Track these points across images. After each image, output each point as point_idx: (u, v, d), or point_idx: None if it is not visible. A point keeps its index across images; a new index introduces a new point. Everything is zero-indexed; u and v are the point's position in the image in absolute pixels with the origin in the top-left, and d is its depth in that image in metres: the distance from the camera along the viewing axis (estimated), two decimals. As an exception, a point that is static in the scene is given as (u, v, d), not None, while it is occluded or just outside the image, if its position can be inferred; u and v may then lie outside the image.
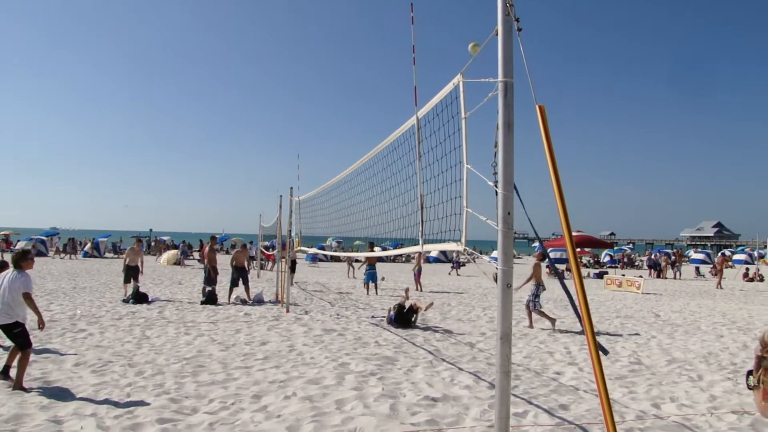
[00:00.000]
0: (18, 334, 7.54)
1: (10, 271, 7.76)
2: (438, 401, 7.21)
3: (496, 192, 4.36)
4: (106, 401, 6.93)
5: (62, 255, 45.30)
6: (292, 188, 17.08)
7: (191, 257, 41.00)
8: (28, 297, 7.51)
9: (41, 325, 7.69)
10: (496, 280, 4.48)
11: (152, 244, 58.60)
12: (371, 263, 21.53)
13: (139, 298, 16.48)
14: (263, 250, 30.94)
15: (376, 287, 21.44)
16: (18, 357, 7.52)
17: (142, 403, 6.85)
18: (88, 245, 47.17)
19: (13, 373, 7.59)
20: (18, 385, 7.33)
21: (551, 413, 6.89)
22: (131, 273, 17.80)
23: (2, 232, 56.26)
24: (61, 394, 7.17)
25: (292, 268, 24.83)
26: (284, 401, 7.09)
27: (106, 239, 52.03)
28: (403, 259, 50.18)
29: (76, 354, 9.49)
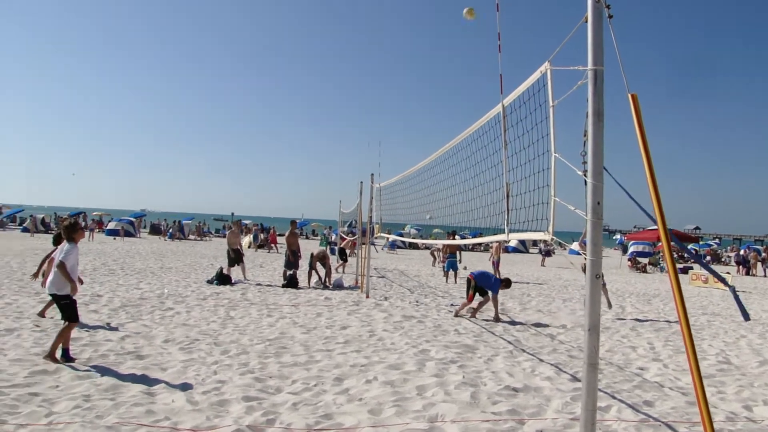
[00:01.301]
0: (65, 306, 7.73)
1: (63, 243, 8.03)
2: (519, 391, 7.18)
3: (585, 181, 4.31)
4: (194, 377, 7.19)
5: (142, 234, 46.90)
6: (372, 174, 17.18)
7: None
8: (61, 266, 7.62)
9: (74, 291, 7.74)
10: (584, 271, 4.44)
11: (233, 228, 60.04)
12: (452, 252, 21.50)
13: (223, 279, 16.92)
14: (343, 235, 31.25)
15: (455, 276, 21.41)
16: (62, 327, 7.72)
17: (228, 381, 7.06)
18: (172, 227, 48.67)
19: (74, 356, 7.78)
20: (52, 356, 7.54)
21: (635, 409, 6.77)
22: (236, 256, 18.22)
23: (95, 213, 58.70)
24: (153, 369, 7.46)
25: (341, 255, 25.06)
26: (365, 385, 7.18)
27: (190, 222, 53.56)
28: (482, 248, 49.90)
29: (165, 331, 9.85)
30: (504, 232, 6.94)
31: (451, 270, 21.33)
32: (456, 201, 10.59)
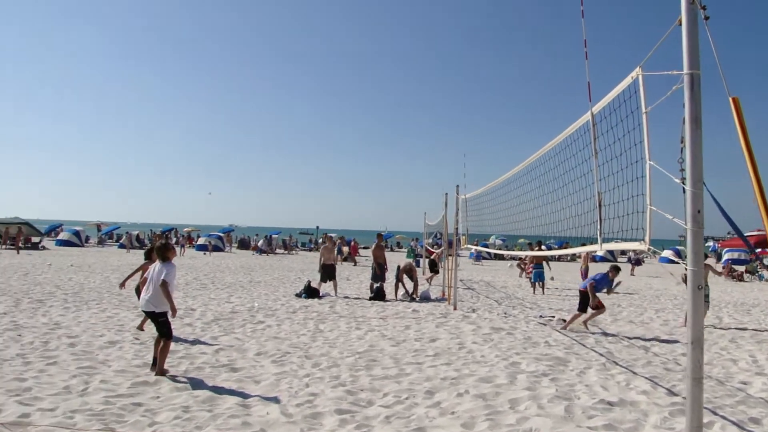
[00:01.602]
0: (162, 324, 7.94)
1: (157, 262, 8.24)
2: (614, 405, 6.99)
3: (684, 189, 4.18)
4: (287, 390, 7.30)
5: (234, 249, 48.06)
6: (458, 186, 17.12)
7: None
8: (164, 285, 7.83)
9: (173, 312, 7.92)
10: (684, 281, 4.31)
11: (319, 241, 60.88)
12: (538, 262, 21.20)
13: (311, 293, 17.14)
14: (428, 247, 31.23)
15: (543, 286, 21.10)
16: (161, 346, 7.91)
17: (320, 394, 7.14)
18: (261, 241, 49.62)
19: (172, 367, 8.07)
20: (160, 371, 7.77)
21: (741, 426, 6.48)
22: (328, 271, 18.22)
23: (185, 229, 60.56)
24: (247, 381, 7.62)
25: (432, 266, 24.91)
26: (457, 398, 7.13)
27: (277, 236, 54.52)
28: (568, 258, 49.02)
29: (257, 344, 10.04)
30: (596, 242, 6.81)
31: (538, 281, 21.03)
32: (543, 212, 10.49)
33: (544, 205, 10.32)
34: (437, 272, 24.30)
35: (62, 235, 51.87)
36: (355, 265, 36.72)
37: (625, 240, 5.74)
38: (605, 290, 13.06)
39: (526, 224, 12.00)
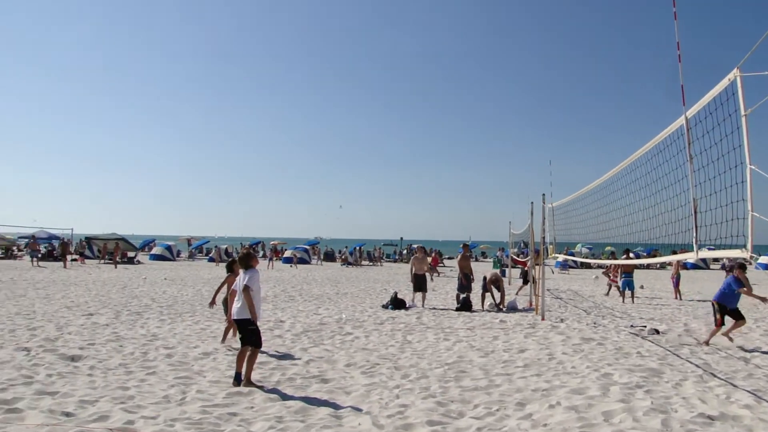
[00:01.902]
0: (252, 332, 8.05)
1: (241, 272, 8.39)
2: (715, 420, 6.73)
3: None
4: (377, 401, 7.34)
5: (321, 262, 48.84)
6: (544, 195, 16.91)
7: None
8: (246, 290, 7.99)
9: (253, 317, 8.02)
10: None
11: (403, 252, 61.10)
12: (627, 271, 20.68)
13: (398, 304, 17.19)
14: (514, 257, 30.90)
15: (632, 295, 20.57)
16: (248, 354, 8.02)
17: (411, 405, 7.14)
18: (346, 254, 50.15)
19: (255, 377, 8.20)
20: (247, 380, 7.92)
21: None
22: (419, 282, 18.23)
23: (272, 242, 61.76)
24: (338, 392, 7.71)
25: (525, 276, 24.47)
26: (549, 410, 7.01)
27: (362, 247, 54.92)
28: (657, 266, 47.55)
29: (346, 355, 10.14)
30: (690, 249, 6.61)
31: (627, 289, 20.52)
32: (633, 219, 10.26)
33: (634, 213, 10.11)
34: (527, 282, 23.98)
35: (155, 250, 53.68)
36: (438, 275, 36.65)
37: (724, 247, 5.54)
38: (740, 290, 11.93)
39: (614, 232, 11.76)
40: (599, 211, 12.66)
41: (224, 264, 11.98)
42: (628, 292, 20.54)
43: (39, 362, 9.08)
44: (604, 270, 27.45)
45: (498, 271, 23.16)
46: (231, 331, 10.64)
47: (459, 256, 19.06)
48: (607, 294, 23.08)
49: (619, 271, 21.54)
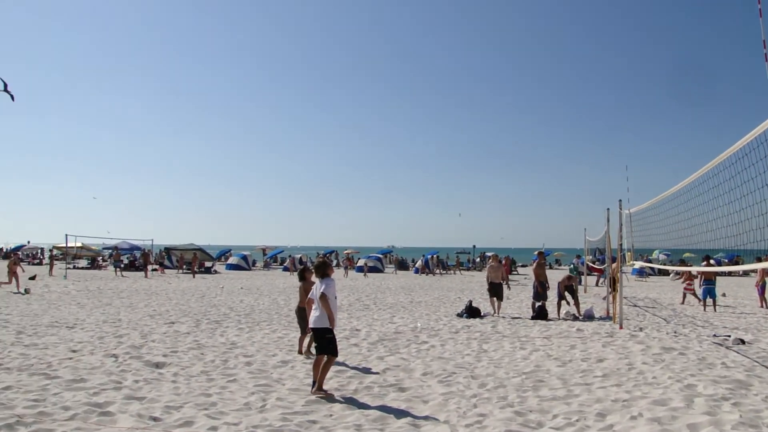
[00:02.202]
0: (329, 340, 8.14)
1: (318, 281, 8.47)
2: (809, 433, 6.49)
3: None
4: (455, 410, 7.33)
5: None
6: (620, 200, 16.59)
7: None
8: (323, 298, 8.13)
9: (331, 323, 8.15)
10: None
11: (476, 260, 60.78)
12: (708, 278, 20.08)
13: (472, 312, 17.14)
14: (590, 264, 30.38)
15: (714, 304, 19.96)
16: (323, 362, 8.08)
17: (488, 415, 7.11)
18: (419, 262, 50.22)
19: (326, 385, 8.20)
20: (319, 389, 8.00)
21: None
22: (495, 290, 18.16)
23: (345, 251, 62.44)
24: (415, 401, 7.73)
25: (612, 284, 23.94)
26: (630, 421, 6.86)
27: (435, 255, 54.88)
28: (740, 273, 45.97)
29: (422, 364, 10.17)
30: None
31: (708, 297, 19.92)
32: (715, 226, 9.98)
33: (716, 219, 9.83)
34: (615, 289, 23.49)
35: (231, 260, 54.93)
36: (508, 288, 36.31)
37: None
38: None
39: (695, 239, 11.45)
40: (679, 217, 12.35)
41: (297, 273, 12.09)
42: (709, 300, 19.96)
43: (126, 368, 9.45)
44: (679, 276, 26.67)
45: (569, 273, 22.69)
46: (307, 340, 10.76)
47: (534, 264, 18.89)
48: (683, 302, 22.42)
49: (699, 278, 20.93)
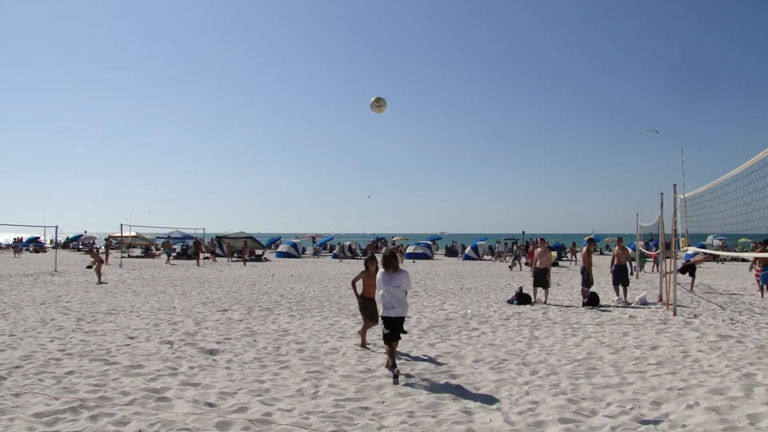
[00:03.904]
0: (402, 329, 8.59)
1: (382, 272, 8.69)
2: None
3: None
4: (507, 397, 7.32)
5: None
6: (675, 185, 16.25)
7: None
8: (403, 291, 8.64)
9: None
10: None
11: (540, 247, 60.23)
12: (766, 264, 19.56)
13: (523, 299, 17.05)
14: (643, 249, 29.85)
15: (773, 289, 19.46)
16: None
17: (541, 402, 7.08)
18: (468, 249, 50.16)
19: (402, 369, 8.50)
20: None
21: None
22: (541, 276, 17.84)
23: (394, 238, 62.50)
24: (467, 388, 7.74)
25: (690, 271, 23.47)
26: (687, 410, 6.74)
27: (484, 242, 54.61)
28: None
29: (473, 351, 10.16)
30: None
31: (767, 284, 19.41)
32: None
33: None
34: (694, 276, 23.15)
35: (281, 248, 55.52)
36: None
37: None
38: None
39: (753, 224, 11.13)
40: (737, 202, 11.99)
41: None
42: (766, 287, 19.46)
43: (181, 355, 9.67)
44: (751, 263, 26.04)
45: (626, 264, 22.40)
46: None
47: (583, 250, 18.68)
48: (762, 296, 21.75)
49: (755, 263, 20.42)
